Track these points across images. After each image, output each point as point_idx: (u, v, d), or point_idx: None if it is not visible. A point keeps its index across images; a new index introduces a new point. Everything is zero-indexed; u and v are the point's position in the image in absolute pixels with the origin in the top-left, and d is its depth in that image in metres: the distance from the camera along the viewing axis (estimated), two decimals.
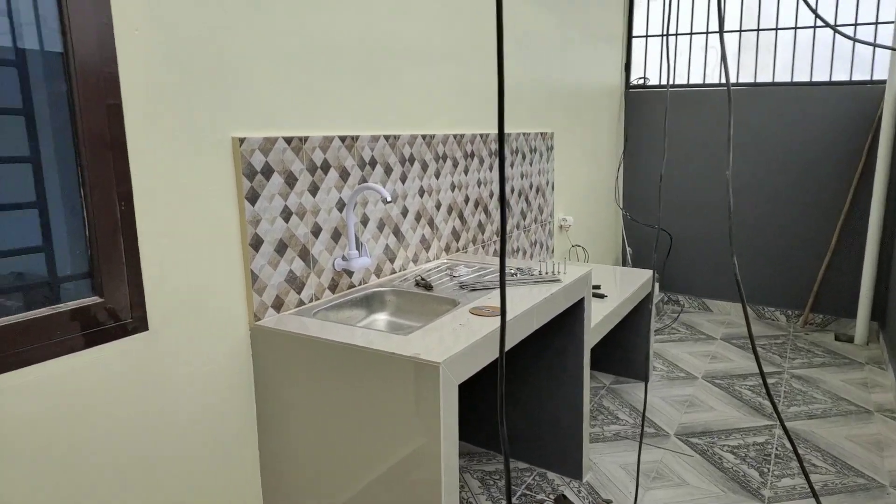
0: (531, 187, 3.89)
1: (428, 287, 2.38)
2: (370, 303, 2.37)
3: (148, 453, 1.74)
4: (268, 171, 1.98)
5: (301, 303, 2.17)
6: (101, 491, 1.64)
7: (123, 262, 1.62)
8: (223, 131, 1.85)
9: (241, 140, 1.88)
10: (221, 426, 1.95)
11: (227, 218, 1.89)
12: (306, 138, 2.12)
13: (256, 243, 1.97)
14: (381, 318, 2.37)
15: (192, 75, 1.74)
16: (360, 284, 2.44)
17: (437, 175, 2.90)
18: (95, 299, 1.59)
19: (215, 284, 1.87)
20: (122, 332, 1.65)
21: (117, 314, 1.63)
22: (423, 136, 2.77)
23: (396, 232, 2.64)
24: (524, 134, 3.73)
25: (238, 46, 1.86)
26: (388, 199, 2.14)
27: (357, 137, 2.35)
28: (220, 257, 1.88)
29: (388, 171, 2.55)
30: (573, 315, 2.62)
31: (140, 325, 1.69)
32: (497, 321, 1.99)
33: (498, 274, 2.60)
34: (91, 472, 1.61)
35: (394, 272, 2.65)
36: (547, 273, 2.60)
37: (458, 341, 1.80)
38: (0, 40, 1.52)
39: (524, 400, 2.86)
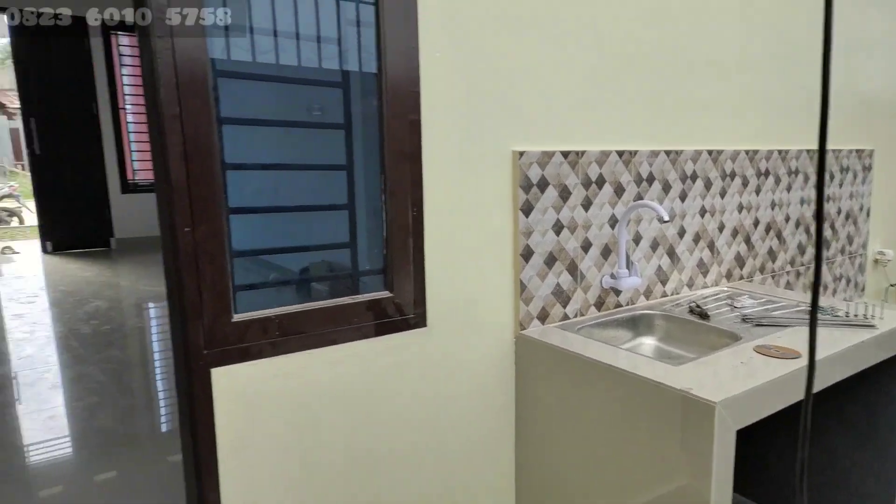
0: (839, 212, 3.33)
1: (704, 316, 2.18)
2: (637, 325, 2.25)
3: (416, 438, 1.89)
4: (543, 184, 2.01)
5: (566, 317, 2.15)
6: (376, 456, 1.83)
7: (411, 262, 1.78)
8: (504, 145, 1.93)
9: (521, 153, 1.94)
10: (483, 424, 2.03)
11: (502, 228, 1.96)
12: (583, 152, 2.10)
13: (527, 254, 2.01)
14: (648, 342, 2.24)
15: (480, 93, 1.85)
16: (627, 305, 2.34)
17: (723, 194, 2.64)
18: (386, 294, 1.78)
19: (487, 290, 1.96)
20: (406, 325, 1.82)
21: (403, 309, 1.80)
22: (709, 152, 2.55)
23: (671, 253, 2.48)
24: (834, 151, 3.21)
25: (523, 65, 1.93)
26: (666, 217, 2.01)
27: (635, 152, 2.26)
28: (492, 265, 1.96)
29: (666, 188, 2.40)
30: (889, 370, 2.16)
31: (420, 321, 1.84)
32: (789, 365, 1.73)
33: (790, 309, 2.26)
34: (372, 438, 1.81)
35: (665, 295, 2.48)
36: (856, 315, 2.18)
37: (739, 381, 1.60)
38: (330, 63, 1.80)
39: (816, 463, 2.44)
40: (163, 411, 3.41)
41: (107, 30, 6.38)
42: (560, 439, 1.93)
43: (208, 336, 1.49)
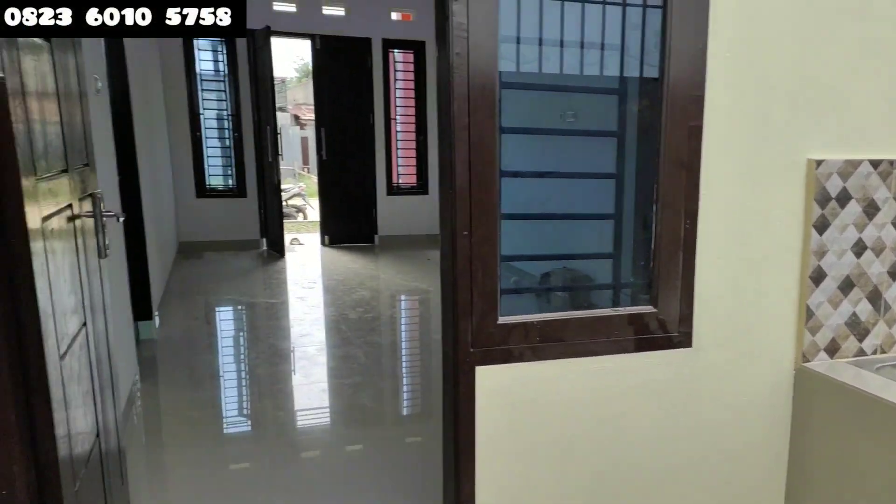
0: None
1: None
2: None
3: (665, 465, 1.77)
4: (844, 198, 1.74)
5: (861, 352, 1.84)
6: (622, 475, 1.76)
7: (680, 277, 1.67)
8: (798, 153, 1.71)
9: (818, 162, 1.70)
10: (746, 465, 1.83)
11: (788, 245, 1.75)
12: None
13: (818, 277, 1.76)
14: None
15: (772, 95, 1.66)
16: None
17: None
18: (650, 309, 1.69)
19: (765, 314, 1.76)
20: (668, 343, 1.71)
21: (666, 326, 1.70)
22: None
23: None
24: None
25: (826, 62, 1.69)
26: None
27: None
28: (773, 286, 1.76)
29: None
30: None
31: (684, 340, 1.72)
32: None
33: None
34: (619, 455, 1.74)
35: None
36: None
37: None
38: (597, 70, 1.77)
39: None
40: (405, 396, 3.72)
41: (387, 47, 7.21)
42: (842, 491, 1.65)
43: (475, 335, 1.56)
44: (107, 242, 1.82)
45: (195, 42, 6.64)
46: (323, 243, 7.67)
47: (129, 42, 3.77)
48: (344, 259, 7.11)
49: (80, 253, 1.65)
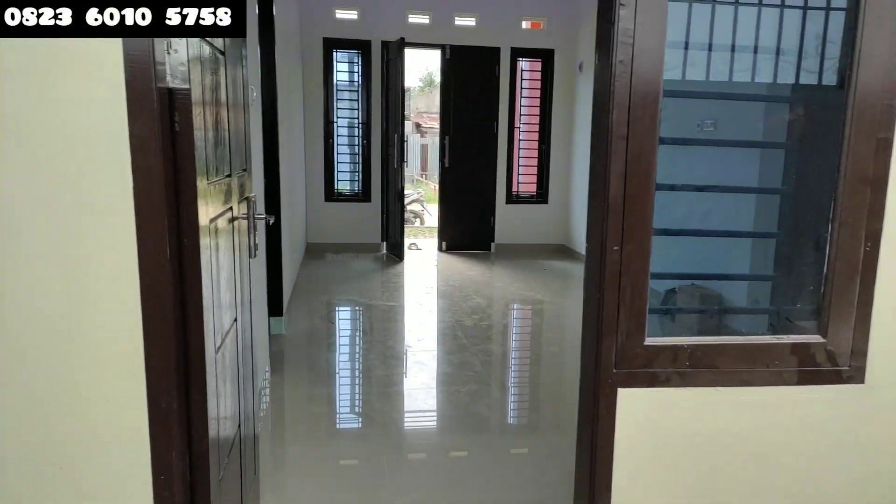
0: None
1: None
2: None
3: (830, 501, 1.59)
4: None
5: None
6: None
7: (855, 305, 1.50)
8: None
9: None
10: None
11: None
12: None
13: None
14: None
15: None
16: None
17: None
18: (817, 338, 1.53)
19: None
20: (836, 378, 1.54)
21: (835, 359, 1.53)
22: None
23: None
24: None
25: None
26: None
27: None
28: None
29: None
30: None
31: (856, 375, 1.54)
32: None
33: None
34: (769, 497, 1.59)
35: None
36: None
37: None
38: (767, 76, 1.63)
39: None
40: (512, 406, 3.67)
41: (515, 55, 7.21)
42: None
43: (619, 356, 1.48)
44: (256, 243, 1.92)
45: (335, 54, 6.98)
46: (440, 248, 7.78)
47: (278, 53, 4.01)
48: (460, 265, 7.16)
49: (235, 252, 1.75)
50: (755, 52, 1.60)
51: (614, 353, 1.48)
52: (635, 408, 1.52)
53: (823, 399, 1.55)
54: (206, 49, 1.35)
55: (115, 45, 1.08)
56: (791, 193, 1.53)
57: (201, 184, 1.30)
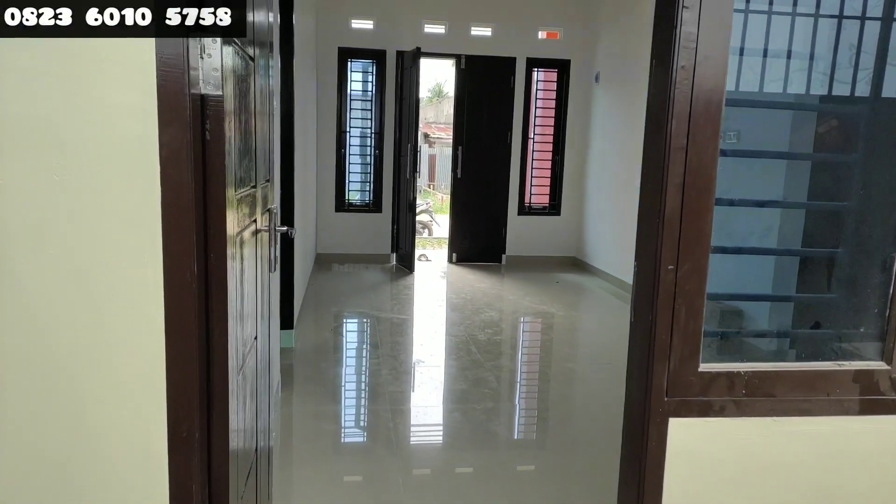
0: None
1: None
2: None
3: None
4: None
5: None
6: None
7: None
8: None
9: None
10: None
11: None
12: None
13: None
14: None
15: None
16: None
17: None
18: (881, 365, 1.43)
19: None
20: None
21: None
22: None
23: None
24: None
25: None
26: None
27: None
28: None
29: None
30: None
31: None
32: None
33: None
34: None
35: None
36: None
37: None
38: (823, 88, 1.54)
39: None
40: (521, 422, 3.60)
41: (530, 66, 7.14)
42: None
43: (672, 382, 1.38)
44: (276, 255, 1.84)
45: (349, 63, 6.93)
46: (450, 260, 7.68)
47: (295, 63, 3.94)
48: (470, 278, 7.06)
49: (258, 266, 1.66)
50: (788, 57, 1.52)
51: (666, 379, 1.38)
52: (687, 439, 1.41)
53: (889, 430, 1.45)
54: (239, 54, 1.27)
55: (148, 47, 1.01)
56: (855, 210, 1.44)
57: (229, 195, 1.21)
